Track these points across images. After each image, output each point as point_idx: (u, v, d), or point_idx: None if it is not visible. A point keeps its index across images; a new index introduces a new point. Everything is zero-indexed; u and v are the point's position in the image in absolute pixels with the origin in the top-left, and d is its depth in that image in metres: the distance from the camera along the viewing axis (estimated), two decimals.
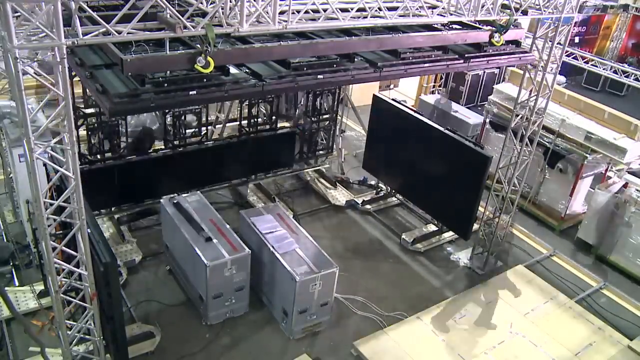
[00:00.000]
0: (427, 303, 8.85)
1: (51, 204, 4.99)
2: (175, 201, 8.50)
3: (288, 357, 7.73)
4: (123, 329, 6.41)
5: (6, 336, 7.41)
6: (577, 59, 16.19)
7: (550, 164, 11.42)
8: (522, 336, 8.43)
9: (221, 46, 5.66)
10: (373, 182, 12.05)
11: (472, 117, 13.68)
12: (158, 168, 9.53)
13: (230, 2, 5.11)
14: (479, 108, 15.71)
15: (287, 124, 12.11)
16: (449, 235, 10.67)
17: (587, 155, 10.73)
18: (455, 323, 8.51)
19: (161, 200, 8.65)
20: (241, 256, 7.67)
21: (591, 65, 16.19)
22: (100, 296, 5.94)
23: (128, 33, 4.68)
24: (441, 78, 16.55)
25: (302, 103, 11.73)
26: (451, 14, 6.77)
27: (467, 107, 15.17)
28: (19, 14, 4.07)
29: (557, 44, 8.29)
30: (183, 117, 9.75)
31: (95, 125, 8.86)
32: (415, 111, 10.59)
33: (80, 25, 4.50)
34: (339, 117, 12.16)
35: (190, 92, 5.48)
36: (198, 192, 8.96)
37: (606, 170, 11.23)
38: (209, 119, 11.19)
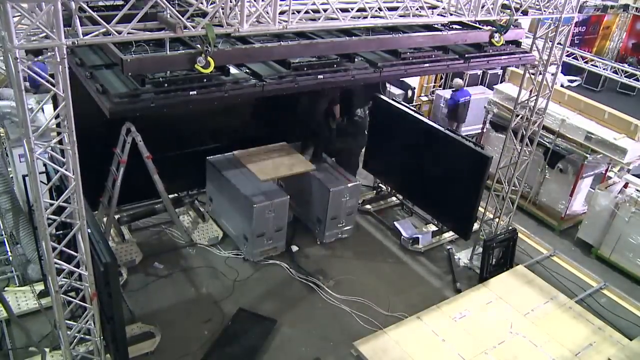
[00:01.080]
0: (427, 303, 8.85)
1: (51, 204, 4.99)
2: (218, 159, 9.89)
3: (288, 356, 7.75)
4: (123, 329, 6.41)
5: (6, 336, 7.41)
6: (577, 59, 16.20)
7: (551, 164, 11.42)
8: (522, 336, 8.42)
9: (221, 46, 5.67)
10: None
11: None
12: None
13: (231, 2, 5.11)
14: None
15: None
16: (449, 235, 10.68)
17: (588, 156, 10.74)
18: (455, 323, 8.51)
19: (208, 159, 9.86)
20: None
21: (591, 65, 16.19)
22: (100, 296, 5.94)
23: (128, 33, 4.68)
24: (441, 78, 16.55)
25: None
26: (451, 14, 6.77)
27: None
28: (19, 14, 4.07)
29: (558, 44, 8.30)
30: None
31: None
32: (415, 111, 10.59)
33: (81, 25, 4.50)
34: None
35: (191, 92, 5.48)
36: (233, 152, 9.89)
37: (606, 170, 11.24)
38: None
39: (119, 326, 6.22)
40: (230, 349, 7.67)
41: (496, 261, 9.81)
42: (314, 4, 5.60)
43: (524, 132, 9.06)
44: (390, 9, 6.27)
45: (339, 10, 5.79)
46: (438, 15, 6.60)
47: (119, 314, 6.16)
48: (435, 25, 7.69)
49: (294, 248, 9.85)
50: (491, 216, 9.93)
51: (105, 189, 8.70)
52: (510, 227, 9.97)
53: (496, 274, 9.64)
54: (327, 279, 9.27)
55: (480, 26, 7.76)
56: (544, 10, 7.56)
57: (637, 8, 20.76)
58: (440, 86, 16.61)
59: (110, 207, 8.65)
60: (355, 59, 6.73)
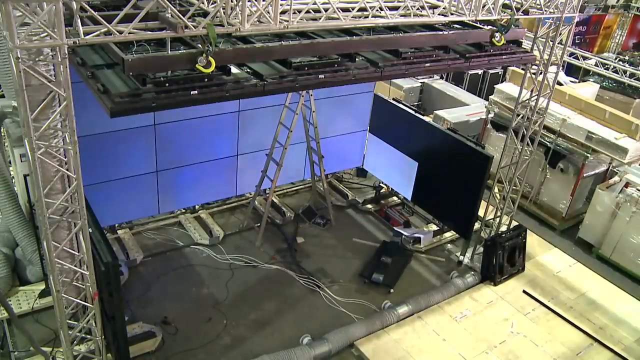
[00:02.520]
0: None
1: (53, 204, 5.00)
2: None
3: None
4: (124, 329, 6.42)
5: (7, 335, 7.42)
6: (578, 59, 16.20)
7: (552, 163, 11.42)
8: (523, 336, 8.43)
9: (222, 46, 5.66)
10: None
11: None
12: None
13: (232, 2, 5.11)
14: None
15: None
16: (450, 234, 10.67)
17: (588, 155, 10.74)
18: (456, 322, 8.51)
19: None
20: None
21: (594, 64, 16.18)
22: (102, 296, 5.94)
23: (129, 33, 4.69)
24: (442, 77, 16.56)
25: None
26: (452, 14, 6.78)
27: None
28: (20, 13, 4.08)
29: (558, 43, 8.29)
30: None
31: None
32: (416, 111, 10.59)
33: (82, 25, 4.51)
34: None
35: (192, 92, 5.48)
36: None
37: (607, 170, 11.23)
38: None
39: (120, 326, 6.23)
40: None
41: (500, 261, 9.69)
42: (315, 3, 5.60)
43: (525, 132, 9.05)
44: (391, 9, 6.27)
45: (339, 10, 5.80)
46: (439, 14, 6.60)
47: (120, 313, 6.17)
48: (436, 25, 7.68)
49: (299, 239, 9.95)
50: (492, 216, 9.92)
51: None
52: (515, 225, 9.92)
53: (502, 274, 9.58)
54: (328, 279, 9.28)
55: (481, 26, 7.76)
56: (545, 10, 7.56)
57: (638, 8, 20.75)
58: None
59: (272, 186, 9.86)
60: (356, 59, 6.73)
